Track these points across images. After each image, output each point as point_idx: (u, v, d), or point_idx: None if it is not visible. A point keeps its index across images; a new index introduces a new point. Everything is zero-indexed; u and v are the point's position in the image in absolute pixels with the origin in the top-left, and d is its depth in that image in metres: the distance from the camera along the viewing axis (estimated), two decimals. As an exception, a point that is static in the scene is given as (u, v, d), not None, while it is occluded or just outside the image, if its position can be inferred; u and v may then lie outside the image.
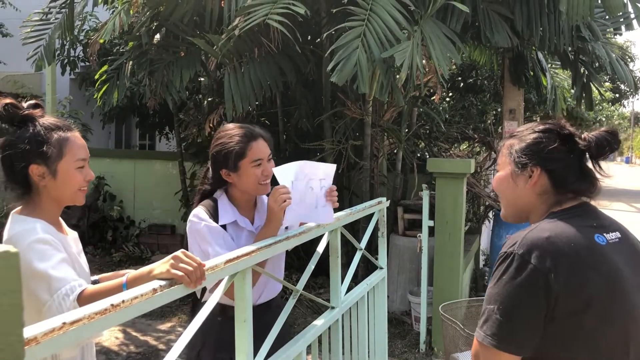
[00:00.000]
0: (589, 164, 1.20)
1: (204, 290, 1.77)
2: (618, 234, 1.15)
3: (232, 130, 1.75)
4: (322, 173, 1.72)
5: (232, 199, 1.76)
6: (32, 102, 1.41)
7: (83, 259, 1.49)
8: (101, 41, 4.50)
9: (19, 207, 1.39)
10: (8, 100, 1.36)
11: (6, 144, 1.36)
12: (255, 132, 1.74)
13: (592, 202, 1.22)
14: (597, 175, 1.20)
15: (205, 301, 1.77)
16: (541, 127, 1.23)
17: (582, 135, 1.19)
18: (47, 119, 1.39)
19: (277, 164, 1.75)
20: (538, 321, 1.05)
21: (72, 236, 1.50)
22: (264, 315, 1.66)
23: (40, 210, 1.37)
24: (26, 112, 1.37)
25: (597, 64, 4.57)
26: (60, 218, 1.48)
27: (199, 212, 1.69)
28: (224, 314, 1.72)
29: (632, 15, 3.66)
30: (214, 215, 1.70)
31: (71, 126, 1.43)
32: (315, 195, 1.68)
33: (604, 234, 1.13)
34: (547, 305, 1.05)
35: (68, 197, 1.41)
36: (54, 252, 1.28)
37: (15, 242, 1.28)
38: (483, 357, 1.10)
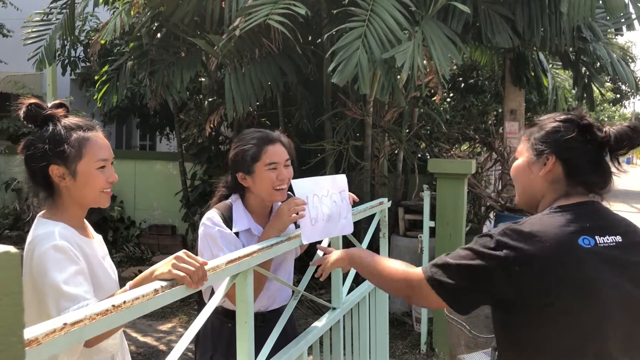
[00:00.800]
0: (607, 159, 1.19)
1: (212, 293, 1.76)
2: (619, 238, 1.12)
3: (249, 134, 1.74)
4: (341, 185, 1.72)
5: (247, 205, 1.74)
6: (56, 102, 1.39)
7: (108, 263, 1.45)
8: (102, 42, 4.51)
9: (44, 210, 1.37)
10: (32, 100, 1.34)
11: (27, 144, 1.34)
12: (273, 136, 1.72)
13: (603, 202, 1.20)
14: (614, 171, 1.20)
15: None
16: (562, 116, 1.23)
17: (603, 128, 1.18)
18: (70, 119, 1.36)
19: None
20: (480, 297, 1.13)
21: (97, 239, 1.47)
22: (276, 320, 1.65)
23: (62, 213, 1.35)
24: (49, 111, 1.35)
25: (598, 65, 4.57)
26: (85, 220, 1.44)
27: (213, 216, 1.67)
28: (234, 320, 1.71)
29: (633, 16, 3.66)
30: (228, 220, 1.68)
31: (94, 126, 1.40)
32: (339, 207, 1.69)
33: (596, 237, 1.10)
34: (499, 292, 1.09)
35: (90, 199, 1.37)
36: (68, 263, 1.25)
37: (34, 246, 1.26)
38: (415, 285, 1.19)
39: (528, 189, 1.25)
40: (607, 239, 1.11)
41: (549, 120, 1.24)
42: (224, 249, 1.60)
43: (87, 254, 1.32)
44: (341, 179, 1.74)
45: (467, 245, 1.16)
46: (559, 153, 1.19)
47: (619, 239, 1.12)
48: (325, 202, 1.64)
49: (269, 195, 1.70)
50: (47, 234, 1.27)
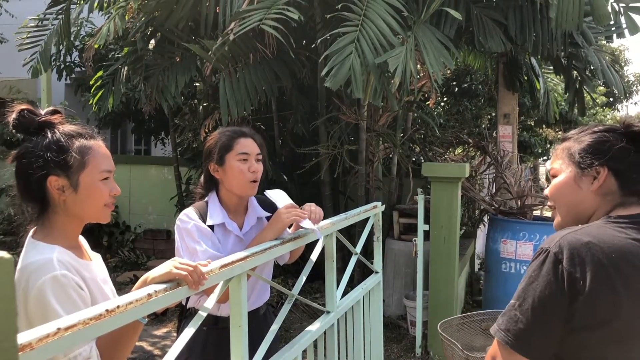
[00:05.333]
0: None
1: (188, 297, 1.78)
2: None
3: (223, 129, 1.82)
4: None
5: (222, 201, 1.77)
6: (50, 108, 1.27)
7: (109, 287, 1.30)
8: (96, 46, 4.51)
9: (34, 228, 1.23)
10: (24, 106, 1.21)
11: (22, 153, 1.20)
12: (245, 131, 1.79)
13: None
14: None
15: (190, 307, 1.78)
16: (601, 127, 1.16)
17: None
18: (67, 126, 1.25)
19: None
20: (556, 327, 1.00)
21: (96, 260, 1.33)
22: (252, 322, 1.66)
23: (57, 233, 1.21)
24: (44, 118, 1.22)
25: (590, 70, 4.62)
26: (80, 239, 1.31)
27: (189, 212, 1.72)
28: (209, 323, 1.73)
29: (624, 25, 3.71)
30: (204, 215, 1.72)
31: (94, 134, 1.28)
32: None
33: None
34: (569, 313, 0.99)
35: (92, 214, 1.25)
36: (72, 296, 1.12)
37: (29, 275, 1.11)
38: (499, 353, 1.05)
39: (576, 207, 1.15)
40: None
41: (587, 132, 1.16)
42: (201, 242, 1.63)
43: (86, 279, 1.20)
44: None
45: (524, 277, 1.05)
46: (610, 164, 1.11)
47: None
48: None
49: (240, 187, 1.73)
50: (44, 262, 1.13)
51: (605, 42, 5.08)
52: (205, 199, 1.79)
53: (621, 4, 3.63)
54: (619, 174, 1.11)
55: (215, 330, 1.74)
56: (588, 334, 1.00)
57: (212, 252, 1.61)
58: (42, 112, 1.25)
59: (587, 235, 1.03)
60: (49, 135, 1.21)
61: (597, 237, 1.02)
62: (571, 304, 0.99)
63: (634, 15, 3.58)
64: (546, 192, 1.25)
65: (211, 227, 1.70)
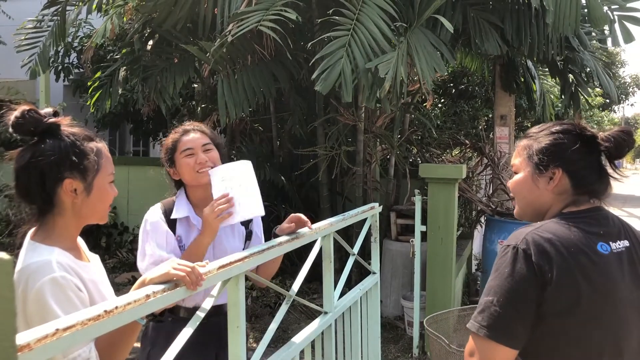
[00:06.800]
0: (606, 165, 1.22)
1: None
2: (626, 243, 1.16)
3: (171, 134, 1.87)
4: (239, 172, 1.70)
5: (188, 197, 1.83)
6: (50, 109, 1.22)
7: (106, 287, 1.30)
8: (93, 45, 4.51)
9: (34, 229, 1.21)
10: (28, 107, 1.15)
11: (37, 155, 1.16)
12: (188, 128, 1.83)
13: (607, 207, 1.23)
14: (616, 176, 1.22)
15: (163, 310, 1.77)
16: (558, 127, 1.23)
17: (600, 137, 1.19)
18: (74, 129, 1.23)
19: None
20: (531, 314, 1.08)
21: (94, 262, 1.33)
22: (218, 316, 1.68)
23: (57, 234, 1.20)
24: (52, 119, 1.18)
25: (585, 73, 4.64)
26: (79, 241, 1.30)
27: (154, 208, 1.78)
28: (174, 314, 1.77)
29: (619, 32, 3.73)
30: (169, 210, 1.78)
31: (97, 136, 1.29)
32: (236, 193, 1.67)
33: (609, 242, 1.14)
34: (539, 302, 1.07)
35: (97, 216, 1.26)
36: (72, 299, 1.12)
37: (27, 277, 1.11)
38: (479, 349, 1.09)
39: (534, 203, 1.24)
40: (619, 245, 1.15)
41: (545, 132, 1.23)
42: (151, 241, 1.69)
43: (84, 280, 1.20)
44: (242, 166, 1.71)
45: (493, 274, 1.12)
46: (565, 166, 1.19)
47: (627, 243, 1.16)
48: (229, 185, 1.65)
49: (191, 179, 1.78)
50: (43, 264, 1.12)
51: (600, 44, 5.10)
52: (175, 195, 1.85)
53: (616, 13, 3.64)
54: (573, 175, 1.19)
55: (181, 321, 1.72)
56: (554, 321, 1.08)
57: (161, 252, 1.66)
58: (44, 113, 1.21)
59: (548, 232, 1.12)
60: (65, 137, 1.19)
61: (556, 234, 1.12)
62: (542, 293, 1.07)
63: (628, 24, 3.60)
64: (509, 184, 1.34)
65: (175, 220, 1.75)
